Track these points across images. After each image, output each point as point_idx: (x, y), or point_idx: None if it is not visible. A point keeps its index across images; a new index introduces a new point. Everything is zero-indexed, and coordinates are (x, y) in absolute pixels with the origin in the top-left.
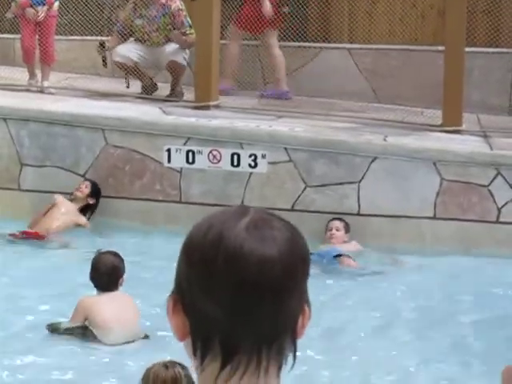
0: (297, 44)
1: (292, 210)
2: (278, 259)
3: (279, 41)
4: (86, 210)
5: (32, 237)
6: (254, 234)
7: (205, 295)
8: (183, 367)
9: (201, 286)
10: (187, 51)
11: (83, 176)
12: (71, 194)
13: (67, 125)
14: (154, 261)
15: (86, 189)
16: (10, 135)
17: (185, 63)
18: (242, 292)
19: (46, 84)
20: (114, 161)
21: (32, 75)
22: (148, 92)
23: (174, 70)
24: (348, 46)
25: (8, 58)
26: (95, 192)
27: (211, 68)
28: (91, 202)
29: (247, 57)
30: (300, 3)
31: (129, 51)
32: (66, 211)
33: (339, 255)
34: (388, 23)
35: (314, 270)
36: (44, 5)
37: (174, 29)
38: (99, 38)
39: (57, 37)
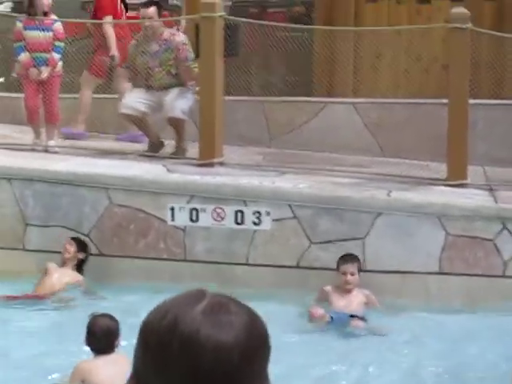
0: (302, 99)
1: (297, 267)
2: (235, 345)
3: (282, 95)
4: (80, 266)
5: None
6: (210, 319)
7: (159, 380)
8: None
9: (155, 370)
10: (186, 105)
11: (87, 235)
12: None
13: (71, 184)
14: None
15: (71, 247)
16: (14, 195)
17: (184, 116)
18: (196, 379)
19: (50, 143)
20: (118, 220)
21: (37, 135)
22: (154, 150)
23: (175, 125)
24: (353, 100)
25: (15, 117)
26: (81, 246)
27: (215, 125)
28: (81, 256)
29: (252, 113)
30: (305, 58)
31: (135, 102)
32: (59, 276)
33: (353, 315)
34: (392, 77)
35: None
36: (47, 65)
37: (177, 62)
38: (104, 96)
39: (63, 95)
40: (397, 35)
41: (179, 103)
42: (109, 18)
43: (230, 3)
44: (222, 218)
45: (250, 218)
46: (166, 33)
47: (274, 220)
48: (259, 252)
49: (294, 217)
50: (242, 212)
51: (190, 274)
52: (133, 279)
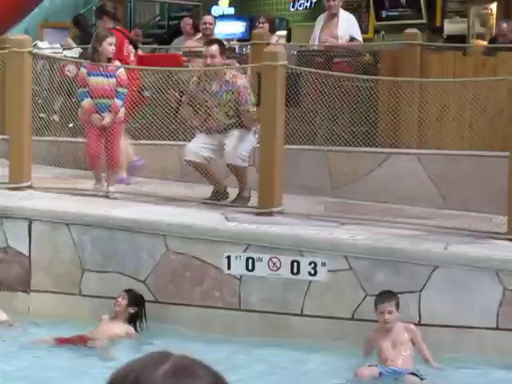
0: (366, 149)
1: (352, 319)
2: None
3: (349, 145)
4: (133, 320)
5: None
6: (171, 382)
7: None
8: None
9: None
10: (246, 151)
11: (144, 282)
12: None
13: (128, 230)
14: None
15: (123, 300)
16: (72, 240)
17: (243, 164)
18: None
19: (111, 189)
20: (174, 267)
21: (98, 180)
22: (217, 198)
23: (235, 172)
24: (417, 151)
25: (77, 162)
26: (134, 300)
27: (274, 174)
28: (132, 311)
29: (315, 161)
30: (370, 109)
31: (198, 147)
32: (108, 326)
33: (412, 373)
34: (457, 129)
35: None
36: (110, 111)
37: (238, 105)
38: (169, 142)
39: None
40: (462, 87)
41: (239, 150)
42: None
43: (296, 52)
44: (278, 268)
45: (305, 268)
46: (228, 74)
47: (329, 271)
48: (314, 303)
49: (350, 268)
50: (297, 262)
51: (244, 324)
52: (187, 327)
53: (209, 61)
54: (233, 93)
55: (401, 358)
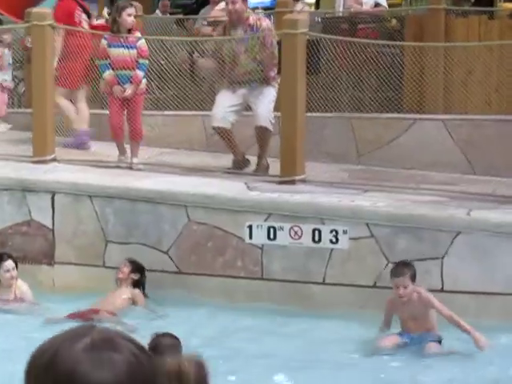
0: (391, 115)
1: (374, 286)
2: None
3: (374, 112)
4: (136, 286)
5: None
6: (90, 357)
7: None
8: (199, 364)
9: None
10: (272, 113)
11: (166, 253)
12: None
13: (150, 202)
14: (232, 338)
15: (125, 268)
16: (95, 212)
17: (271, 128)
18: None
19: (135, 160)
20: (196, 237)
21: (121, 152)
22: (238, 167)
23: (261, 135)
24: (442, 116)
25: (101, 134)
26: (136, 268)
27: (296, 142)
28: (135, 277)
29: (339, 128)
30: (394, 75)
31: (225, 112)
32: (115, 295)
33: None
34: (483, 93)
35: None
36: (131, 83)
37: (264, 46)
38: (194, 112)
39: (151, 112)
40: (488, 51)
41: (269, 112)
42: (60, 30)
43: (320, 19)
44: (300, 237)
45: (327, 236)
46: (252, 17)
47: (351, 238)
48: (336, 271)
49: (372, 235)
50: (319, 230)
51: (267, 293)
52: (210, 297)
53: (230, 6)
54: (258, 37)
55: (423, 327)
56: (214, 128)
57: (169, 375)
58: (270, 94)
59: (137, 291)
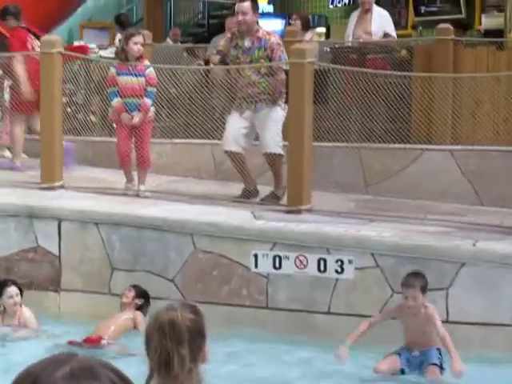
0: (399, 146)
1: None
2: None
3: (382, 142)
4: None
5: (91, 345)
6: None
7: None
8: (192, 311)
9: None
10: (280, 135)
11: (172, 281)
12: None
13: (157, 229)
14: (234, 365)
15: (129, 293)
16: (101, 239)
17: (280, 151)
18: None
19: (142, 188)
20: (202, 266)
21: (129, 179)
22: (247, 196)
23: (272, 161)
24: (450, 147)
25: (111, 162)
26: (140, 293)
27: (303, 171)
28: (139, 302)
29: (348, 158)
30: (403, 105)
31: (237, 134)
32: (115, 318)
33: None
34: (492, 124)
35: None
36: (139, 110)
37: (270, 61)
38: (203, 140)
39: (160, 140)
40: (496, 82)
41: (276, 136)
42: (19, 57)
43: (329, 49)
44: (305, 266)
45: (332, 266)
46: (261, 31)
47: (356, 268)
48: (341, 301)
49: (377, 266)
50: (324, 260)
51: (272, 322)
52: (214, 325)
53: (240, 17)
54: (265, 49)
55: (426, 342)
56: (226, 152)
57: (162, 327)
58: (276, 116)
59: (138, 313)
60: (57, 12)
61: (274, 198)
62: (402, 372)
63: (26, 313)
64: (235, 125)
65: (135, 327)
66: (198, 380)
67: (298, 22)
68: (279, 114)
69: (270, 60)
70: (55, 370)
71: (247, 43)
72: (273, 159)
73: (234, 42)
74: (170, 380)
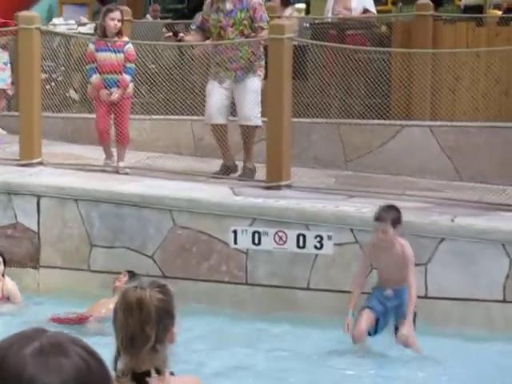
0: (378, 122)
1: None
2: None
3: (361, 118)
4: None
5: (74, 321)
6: (37, 361)
7: None
8: (162, 291)
9: None
10: (258, 106)
11: (151, 257)
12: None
13: (136, 205)
14: (216, 344)
15: (124, 277)
16: (80, 216)
17: (259, 122)
18: None
19: (121, 164)
20: (181, 242)
21: (108, 156)
22: (226, 172)
23: (247, 133)
24: (430, 123)
25: (89, 138)
26: (134, 279)
27: (282, 148)
28: None
29: (327, 134)
30: (382, 81)
31: (221, 107)
32: (105, 301)
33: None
34: (471, 100)
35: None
36: (118, 87)
37: (252, 22)
38: (182, 117)
39: (139, 116)
40: (476, 58)
41: (254, 108)
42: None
43: (309, 25)
44: (284, 242)
45: (311, 242)
46: None
47: (335, 244)
48: (320, 276)
49: (356, 241)
50: (303, 236)
51: (251, 298)
52: (194, 302)
53: None
54: (248, 10)
55: (400, 281)
56: (212, 126)
57: (129, 305)
58: (255, 87)
59: None
60: None
61: (249, 173)
62: (377, 323)
63: (9, 283)
64: (217, 96)
65: None
66: (164, 360)
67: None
68: (257, 84)
69: (253, 21)
70: (24, 346)
71: (228, 5)
72: (249, 131)
73: (216, 5)
74: (135, 359)
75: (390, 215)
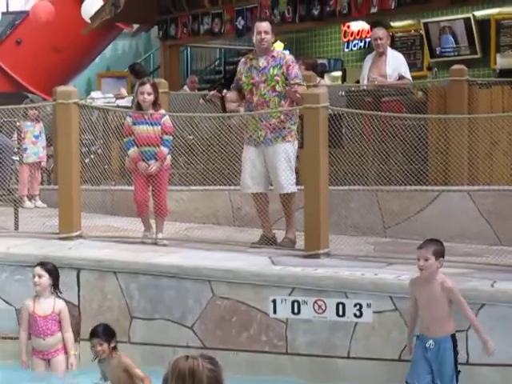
0: (416, 187)
1: (399, 360)
2: None
3: (399, 184)
4: None
5: None
6: None
7: None
8: (211, 362)
9: None
10: (293, 172)
11: (191, 328)
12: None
13: (174, 277)
14: None
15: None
16: (120, 288)
17: (294, 189)
18: None
19: (160, 236)
20: (221, 312)
21: (147, 227)
22: (264, 243)
23: (286, 200)
24: (468, 188)
25: (130, 210)
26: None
27: (320, 216)
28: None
29: (365, 201)
30: (419, 147)
31: (251, 176)
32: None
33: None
34: (508, 164)
35: None
36: (156, 159)
37: (286, 79)
38: (219, 187)
39: (178, 187)
40: None
41: (289, 174)
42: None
43: (344, 92)
44: (324, 311)
45: (351, 310)
46: (276, 51)
47: (375, 312)
48: (360, 345)
49: (396, 309)
50: (343, 304)
51: (292, 367)
52: (234, 372)
53: (263, 35)
54: (281, 66)
55: (437, 323)
56: (253, 194)
57: (182, 374)
58: (286, 154)
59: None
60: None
61: (289, 243)
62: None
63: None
64: (251, 164)
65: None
66: None
67: (303, 68)
68: (289, 150)
69: (286, 77)
70: None
71: (262, 63)
72: (285, 199)
73: (249, 63)
74: None
75: (433, 244)
